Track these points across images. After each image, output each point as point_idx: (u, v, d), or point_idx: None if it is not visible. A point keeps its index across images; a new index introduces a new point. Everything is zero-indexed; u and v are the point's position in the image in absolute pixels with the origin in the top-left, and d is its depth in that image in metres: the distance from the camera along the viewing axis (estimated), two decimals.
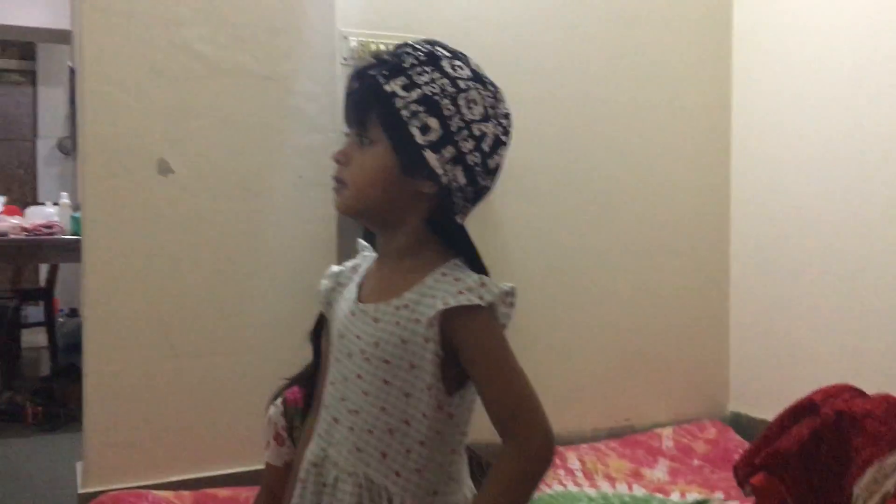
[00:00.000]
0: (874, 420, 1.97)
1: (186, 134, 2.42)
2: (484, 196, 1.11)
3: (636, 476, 2.72)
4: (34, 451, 3.26)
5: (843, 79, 2.82)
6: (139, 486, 2.34)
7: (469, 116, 1.05)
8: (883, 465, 1.90)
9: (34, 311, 5.13)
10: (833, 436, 2.05)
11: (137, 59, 2.36)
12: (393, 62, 1.06)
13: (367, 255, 1.22)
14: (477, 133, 1.05)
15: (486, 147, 1.06)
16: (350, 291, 1.17)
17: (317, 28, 2.57)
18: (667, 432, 3.01)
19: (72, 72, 4.66)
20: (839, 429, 2.04)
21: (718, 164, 3.26)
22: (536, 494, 1.08)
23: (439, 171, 1.04)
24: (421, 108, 1.03)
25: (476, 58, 1.12)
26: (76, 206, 3.93)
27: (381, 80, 1.05)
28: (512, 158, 1.15)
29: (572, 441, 2.86)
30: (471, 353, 1.04)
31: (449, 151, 1.04)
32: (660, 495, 2.57)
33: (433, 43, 1.09)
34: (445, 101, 1.04)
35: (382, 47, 2.56)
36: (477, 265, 1.10)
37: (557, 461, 2.49)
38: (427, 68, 1.05)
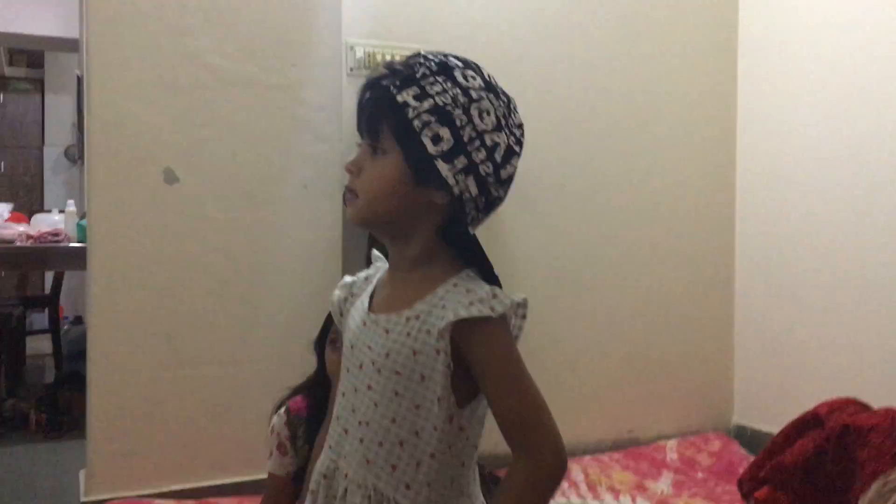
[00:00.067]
0: (879, 434, 1.97)
1: (193, 143, 2.43)
2: (496, 206, 1.10)
3: (640, 488, 2.71)
4: (38, 459, 3.25)
5: (849, 80, 2.81)
6: (142, 495, 2.35)
7: (481, 127, 1.04)
8: (888, 479, 1.90)
9: (39, 318, 5.12)
10: (838, 449, 2.05)
11: (145, 68, 2.37)
12: (405, 72, 1.06)
13: (379, 266, 1.21)
14: (489, 143, 1.05)
15: (498, 157, 1.06)
16: (362, 302, 1.17)
17: (323, 38, 2.57)
18: (671, 445, 3.01)
19: (79, 80, 4.67)
20: (844, 442, 2.04)
21: (724, 173, 3.26)
22: None
23: (451, 181, 1.04)
24: (433, 118, 1.03)
25: (482, 67, 1.12)
26: (82, 214, 3.92)
27: (394, 90, 1.04)
28: (517, 167, 1.15)
29: (576, 453, 2.84)
30: (482, 365, 1.03)
31: (461, 161, 1.03)
32: None
33: (446, 53, 1.09)
34: (458, 112, 1.03)
35: (389, 57, 2.56)
36: (489, 276, 1.09)
37: None
38: (439, 78, 1.04)
